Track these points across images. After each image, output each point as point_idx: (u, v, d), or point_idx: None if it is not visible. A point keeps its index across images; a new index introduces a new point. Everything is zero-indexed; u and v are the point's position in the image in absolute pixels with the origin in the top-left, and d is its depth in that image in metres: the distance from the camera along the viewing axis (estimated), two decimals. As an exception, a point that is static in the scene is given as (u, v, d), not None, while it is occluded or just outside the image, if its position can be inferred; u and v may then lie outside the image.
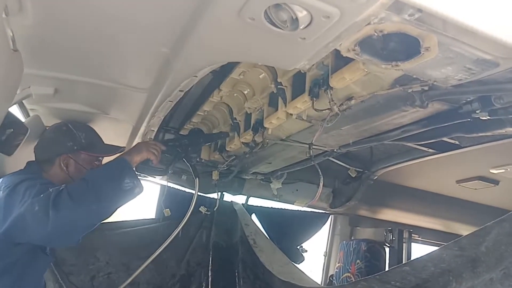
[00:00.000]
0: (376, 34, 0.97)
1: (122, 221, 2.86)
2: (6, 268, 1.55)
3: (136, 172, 1.82)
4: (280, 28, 0.96)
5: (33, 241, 1.58)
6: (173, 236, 2.27)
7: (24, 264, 1.58)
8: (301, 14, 0.89)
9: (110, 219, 2.52)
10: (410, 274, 1.25)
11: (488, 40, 0.89)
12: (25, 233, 1.52)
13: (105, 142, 2.04)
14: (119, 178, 1.64)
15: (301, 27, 0.93)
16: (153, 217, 3.00)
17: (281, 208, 3.35)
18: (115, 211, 1.67)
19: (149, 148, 1.91)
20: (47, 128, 2.02)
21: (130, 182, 1.65)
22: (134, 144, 2.39)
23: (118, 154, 1.93)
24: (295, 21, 0.92)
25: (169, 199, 2.96)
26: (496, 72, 1.10)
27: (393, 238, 3.30)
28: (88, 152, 1.89)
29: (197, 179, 2.29)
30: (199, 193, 3.06)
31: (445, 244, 1.16)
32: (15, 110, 2.06)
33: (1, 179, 1.74)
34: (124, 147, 2.10)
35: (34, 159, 1.91)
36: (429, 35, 0.96)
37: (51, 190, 1.52)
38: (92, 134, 1.95)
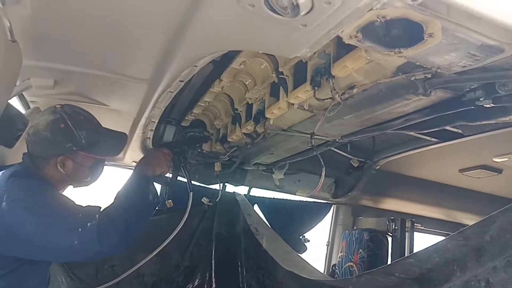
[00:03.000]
0: (378, 20, 0.95)
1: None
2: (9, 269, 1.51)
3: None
4: (281, 15, 0.94)
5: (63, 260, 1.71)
6: (175, 233, 2.22)
7: (27, 264, 1.55)
8: (302, 0, 0.88)
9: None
10: (414, 266, 1.24)
11: (493, 25, 0.87)
12: (48, 255, 1.58)
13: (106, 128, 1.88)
14: (147, 196, 1.77)
15: (302, 14, 0.91)
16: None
17: (283, 199, 3.35)
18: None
19: (167, 161, 1.97)
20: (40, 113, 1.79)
21: (154, 197, 1.81)
22: (134, 133, 2.38)
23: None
24: (296, 7, 0.90)
25: (171, 190, 2.96)
26: (501, 59, 1.08)
27: (396, 228, 3.30)
28: (89, 154, 1.73)
29: (191, 193, 2.23)
30: (201, 185, 3.08)
31: (448, 233, 1.16)
32: (15, 102, 2.05)
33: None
34: (126, 134, 1.96)
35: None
36: (433, 21, 0.94)
37: (89, 225, 1.50)
38: (93, 131, 1.74)
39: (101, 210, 1.62)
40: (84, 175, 1.77)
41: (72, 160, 1.70)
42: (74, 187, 1.84)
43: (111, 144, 1.84)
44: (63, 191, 1.80)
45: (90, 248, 1.50)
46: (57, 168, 1.68)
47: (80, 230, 1.48)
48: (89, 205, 1.62)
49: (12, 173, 1.61)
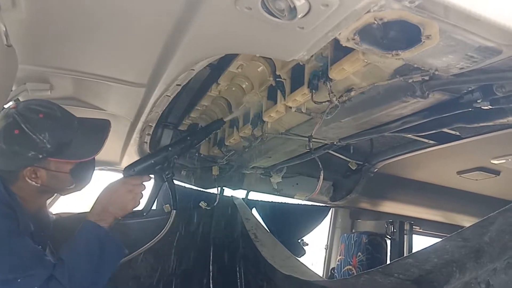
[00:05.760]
0: (376, 22, 0.95)
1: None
2: None
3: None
4: (278, 18, 0.94)
5: None
6: (166, 229, 1.90)
7: None
8: (299, 2, 0.87)
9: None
10: (413, 266, 1.24)
11: (490, 26, 0.87)
12: None
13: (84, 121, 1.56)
14: (100, 259, 1.40)
15: (299, 16, 0.91)
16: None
17: (281, 202, 3.35)
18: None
19: (136, 198, 1.54)
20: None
21: (112, 253, 1.44)
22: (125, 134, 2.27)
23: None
24: (293, 10, 0.90)
25: (168, 195, 2.95)
26: (499, 60, 1.08)
27: (394, 230, 3.30)
28: (59, 159, 1.43)
29: (174, 211, 1.84)
30: (199, 189, 3.07)
31: (447, 235, 1.15)
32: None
33: None
34: (109, 122, 1.63)
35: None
36: (430, 23, 0.93)
37: None
38: (59, 130, 1.43)
39: (50, 273, 1.32)
40: (65, 182, 1.51)
41: (44, 169, 1.42)
42: (62, 195, 1.63)
43: (88, 142, 1.51)
44: (46, 199, 1.63)
45: None
46: (28, 181, 1.42)
47: None
48: (42, 260, 1.34)
49: None
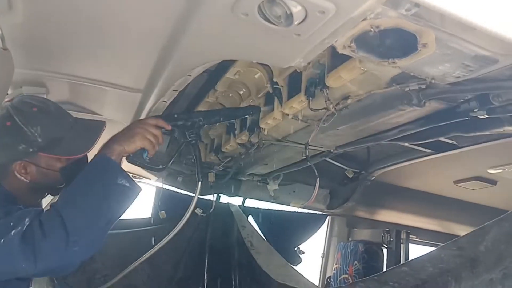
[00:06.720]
0: (372, 30, 0.95)
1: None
2: None
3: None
4: (275, 24, 0.94)
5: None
6: (168, 238, 1.83)
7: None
8: (296, 9, 0.87)
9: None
10: (408, 275, 1.23)
11: (487, 35, 0.87)
12: None
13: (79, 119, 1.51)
14: (103, 193, 1.27)
15: (295, 23, 0.91)
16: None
17: (278, 210, 3.33)
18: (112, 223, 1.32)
19: (145, 134, 1.42)
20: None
21: (121, 188, 1.30)
22: None
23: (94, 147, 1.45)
24: (289, 16, 0.90)
25: (164, 201, 2.94)
26: (495, 69, 1.08)
27: (391, 239, 3.30)
28: (49, 154, 1.39)
29: (199, 182, 1.67)
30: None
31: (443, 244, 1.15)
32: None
33: None
34: (104, 122, 1.53)
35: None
36: (427, 31, 0.94)
37: (13, 233, 1.14)
38: (52, 125, 1.39)
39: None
40: (56, 180, 1.44)
41: (34, 164, 1.38)
42: (53, 195, 1.55)
43: (79, 139, 1.45)
44: (38, 200, 1.55)
45: (11, 263, 1.14)
46: (18, 176, 1.38)
47: (2, 241, 1.14)
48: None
49: None
